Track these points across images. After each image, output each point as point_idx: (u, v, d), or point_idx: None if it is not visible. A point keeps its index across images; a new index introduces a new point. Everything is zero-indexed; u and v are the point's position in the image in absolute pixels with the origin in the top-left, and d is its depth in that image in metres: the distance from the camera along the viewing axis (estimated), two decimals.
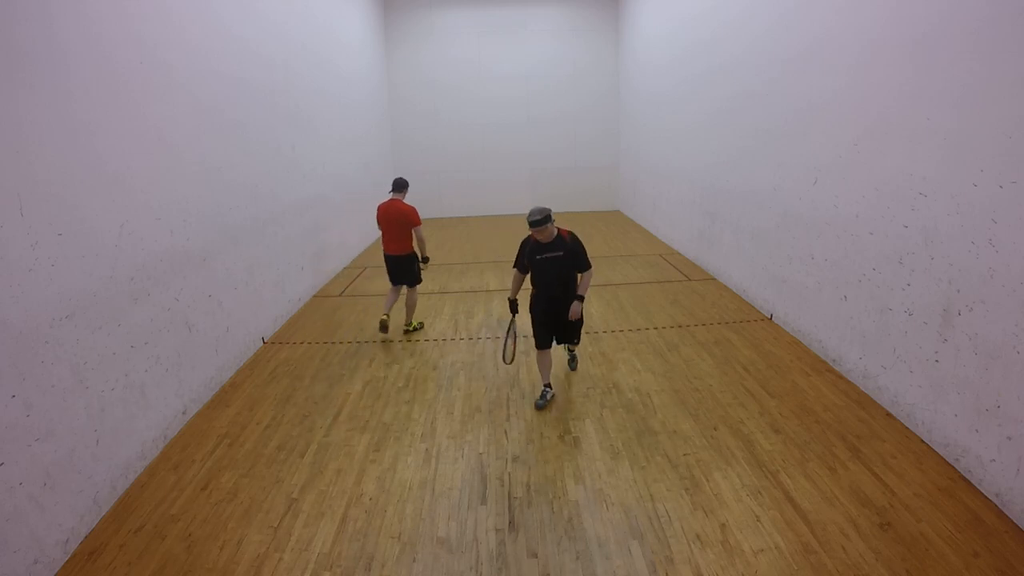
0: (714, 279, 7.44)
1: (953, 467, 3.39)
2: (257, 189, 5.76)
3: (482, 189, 13.35)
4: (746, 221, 6.51)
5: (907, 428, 3.81)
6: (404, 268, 5.72)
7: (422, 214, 14.88)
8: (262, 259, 5.82)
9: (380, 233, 5.79)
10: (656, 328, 5.78)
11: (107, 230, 3.48)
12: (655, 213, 10.55)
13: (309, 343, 5.73)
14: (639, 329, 5.77)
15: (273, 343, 5.75)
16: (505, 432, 3.97)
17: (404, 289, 5.84)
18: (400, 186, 5.74)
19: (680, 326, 5.82)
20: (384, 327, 5.59)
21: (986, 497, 3.13)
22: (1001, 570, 2.64)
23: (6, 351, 2.68)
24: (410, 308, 5.89)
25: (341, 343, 5.70)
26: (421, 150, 13.12)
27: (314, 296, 7.33)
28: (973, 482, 3.24)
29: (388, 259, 5.77)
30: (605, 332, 5.73)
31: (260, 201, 5.83)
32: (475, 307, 6.74)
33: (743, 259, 6.62)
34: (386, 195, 5.84)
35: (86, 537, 3.06)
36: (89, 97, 3.38)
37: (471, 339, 5.71)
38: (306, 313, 6.70)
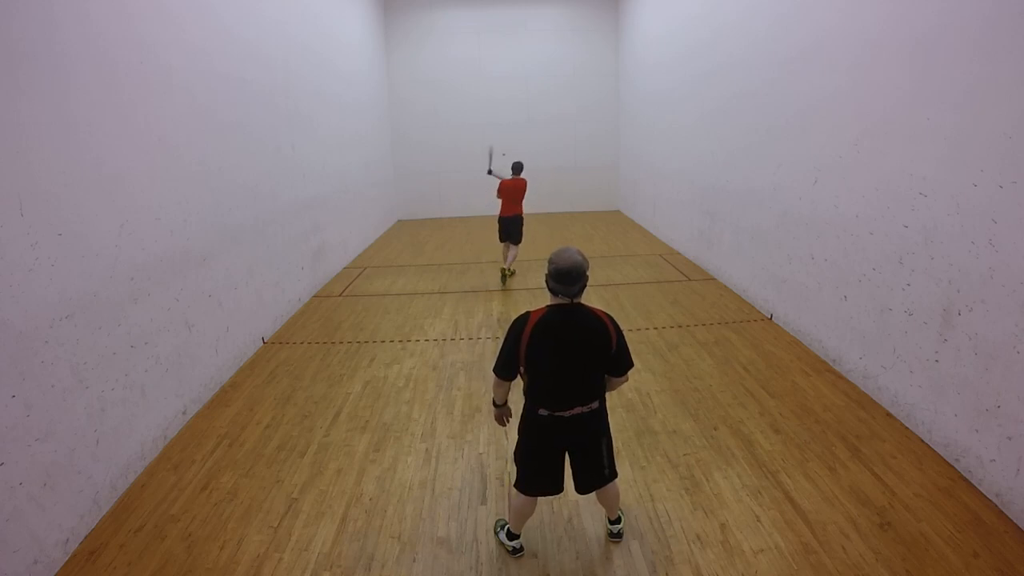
0: (714, 279, 7.44)
1: (953, 467, 3.39)
2: (257, 189, 5.76)
3: (482, 189, 13.39)
4: (746, 221, 6.51)
5: (907, 428, 3.81)
6: (517, 227, 7.73)
7: (421, 214, 14.83)
8: (262, 259, 5.82)
9: (501, 202, 7.66)
10: (656, 328, 5.78)
11: (107, 230, 3.48)
12: (655, 213, 10.56)
13: (309, 343, 5.73)
14: (639, 329, 5.77)
15: (273, 343, 5.75)
16: (505, 432, 3.96)
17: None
18: (519, 168, 7.68)
19: (680, 326, 5.82)
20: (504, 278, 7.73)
21: (986, 497, 3.13)
22: (1001, 570, 2.64)
23: (6, 351, 2.68)
24: (512, 258, 7.85)
25: (341, 343, 5.70)
26: (421, 150, 13.13)
27: (314, 296, 7.33)
28: (973, 482, 3.24)
29: (506, 221, 7.66)
30: None
31: (260, 201, 5.83)
32: (475, 307, 6.74)
33: (743, 259, 6.62)
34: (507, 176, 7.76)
35: (86, 537, 3.06)
36: (89, 97, 3.38)
37: (471, 339, 5.71)
38: (306, 313, 6.70)
